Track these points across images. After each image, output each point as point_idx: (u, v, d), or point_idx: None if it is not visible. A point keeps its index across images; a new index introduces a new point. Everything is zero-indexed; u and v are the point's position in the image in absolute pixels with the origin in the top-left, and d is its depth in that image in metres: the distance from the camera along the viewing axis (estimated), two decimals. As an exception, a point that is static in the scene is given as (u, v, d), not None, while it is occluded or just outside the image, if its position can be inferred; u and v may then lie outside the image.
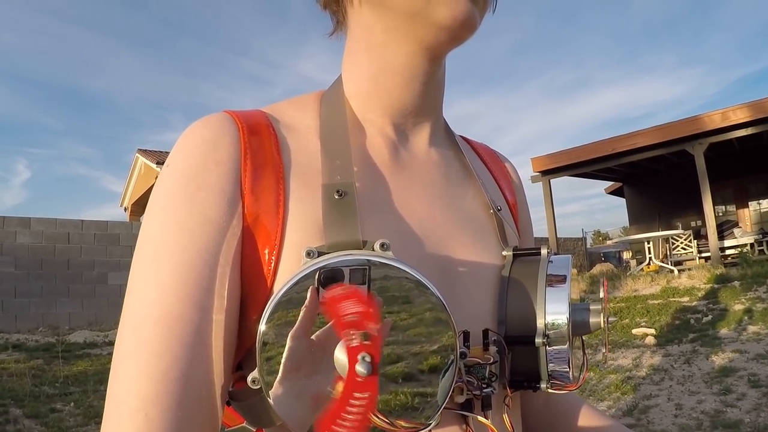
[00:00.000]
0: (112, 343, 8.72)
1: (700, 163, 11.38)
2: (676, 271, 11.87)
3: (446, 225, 0.60)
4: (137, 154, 25.38)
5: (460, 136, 0.76)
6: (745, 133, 11.02)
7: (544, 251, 0.59)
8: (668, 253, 14.79)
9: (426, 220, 0.59)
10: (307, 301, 0.43)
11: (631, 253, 18.57)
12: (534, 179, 13.88)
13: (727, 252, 13.91)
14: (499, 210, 0.65)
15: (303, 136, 0.57)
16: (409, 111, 0.62)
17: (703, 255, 13.84)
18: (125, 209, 29.18)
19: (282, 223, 0.51)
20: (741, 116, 10.65)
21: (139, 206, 28.14)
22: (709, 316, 7.02)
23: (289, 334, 0.42)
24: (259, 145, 0.54)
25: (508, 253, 0.61)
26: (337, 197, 0.51)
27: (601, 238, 40.42)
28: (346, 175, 0.53)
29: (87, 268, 11.42)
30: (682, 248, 14.42)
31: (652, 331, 6.74)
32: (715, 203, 13.12)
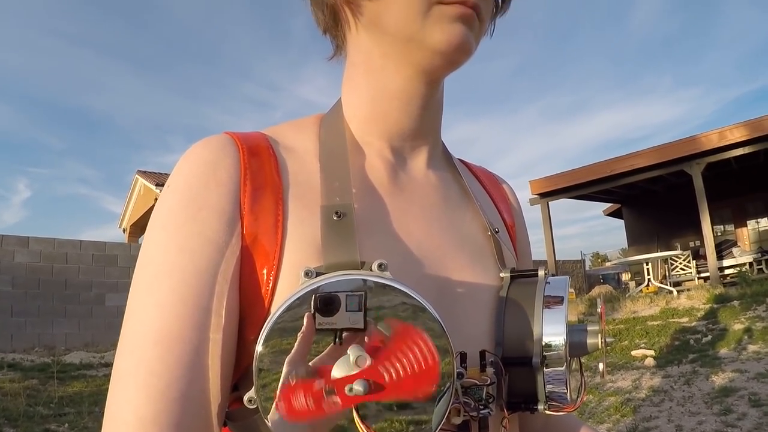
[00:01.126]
0: (108, 365, 8.60)
1: (698, 183, 11.40)
2: (675, 292, 11.83)
3: (444, 246, 0.60)
4: (137, 176, 25.39)
5: (459, 159, 0.76)
6: (743, 152, 11.04)
7: (541, 273, 0.59)
8: (667, 273, 14.76)
9: (424, 241, 0.59)
10: (303, 328, 0.43)
11: (630, 275, 18.55)
12: (532, 201, 13.90)
13: (726, 271, 13.88)
14: (497, 232, 0.65)
15: (302, 158, 0.58)
16: (407, 134, 0.63)
17: (702, 275, 13.80)
18: (124, 230, 29.14)
19: (281, 243, 0.51)
20: (738, 135, 10.67)
21: (138, 228, 28.11)
22: (709, 336, 6.99)
23: (286, 360, 0.43)
24: (259, 167, 0.54)
25: (505, 274, 0.61)
26: (335, 218, 0.51)
27: (600, 260, 40.37)
28: (345, 196, 0.53)
29: (84, 288, 11.36)
30: (681, 269, 14.40)
31: (652, 352, 6.71)
32: (713, 223, 13.13)
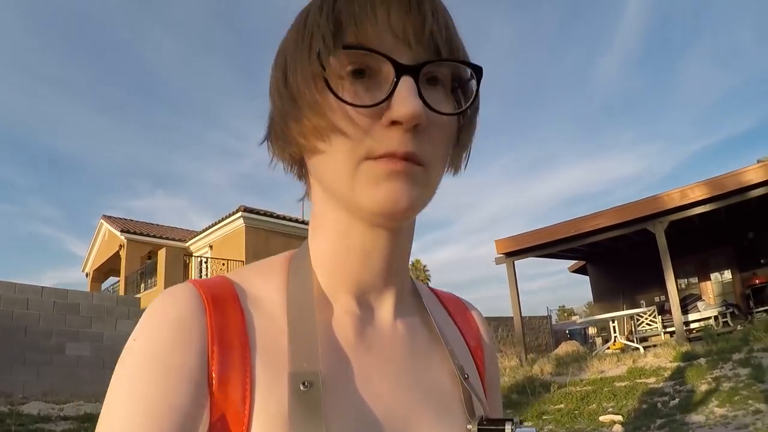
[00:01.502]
0: (66, 418, 8.41)
1: (662, 242, 11.55)
2: (641, 349, 11.80)
3: (410, 404, 0.60)
4: (102, 221, 25.04)
5: (428, 288, 0.77)
6: (704, 210, 11.26)
7: (508, 427, 0.58)
8: (633, 329, 14.80)
9: (390, 402, 0.59)
10: None
11: (596, 330, 18.56)
12: (498, 261, 14.06)
13: (692, 325, 13.97)
14: (466, 378, 0.64)
15: (270, 313, 0.57)
16: (371, 286, 0.62)
17: (668, 330, 13.87)
18: (87, 275, 28.55)
19: (248, 418, 0.50)
20: (699, 193, 10.91)
21: (101, 273, 27.60)
22: (676, 399, 6.88)
23: None
24: (225, 324, 0.54)
25: (472, 427, 0.60)
26: (302, 389, 0.51)
27: (566, 314, 40.61)
28: (312, 361, 0.53)
29: (44, 336, 11.25)
30: (647, 324, 14.45)
31: (620, 417, 6.55)
32: (677, 277, 13.29)
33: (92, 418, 8.37)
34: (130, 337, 0.52)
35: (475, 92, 0.56)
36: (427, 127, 0.52)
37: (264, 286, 0.60)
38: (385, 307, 0.64)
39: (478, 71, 0.55)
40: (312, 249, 0.62)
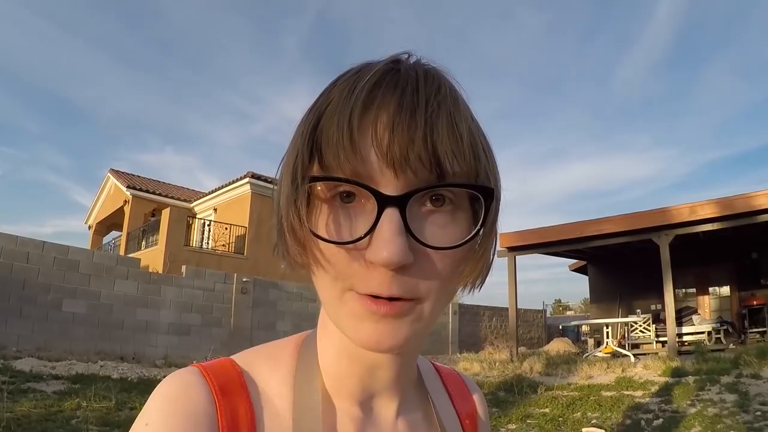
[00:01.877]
0: (57, 377, 8.48)
1: (665, 254, 11.53)
2: (632, 357, 11.84)
3: None
4: (108, 174, 25.07)
5: (431, 364, 0.77)
6: (711, 228, 11.22)
7: None
8: (626, 334, 14.82)
9: None
10: None
11: (590, 329, 18.60)
12: (500, 254, 14.01)
13: (685, 338, 13.99)
14: None
15: (276, 410, 0.57)
16: (376, 393, 0.61)
17: (661, 339, 13.88)
18: (89, 227, 28.71)
19: None
20: (708, 212, 10.88)
21: (103, 226, 27.74)
22: (660, 420, 6.90)
23: None
24: (236, 420, 0.54)
25: None
26: None
27: (561, 308, 40.71)
28: None
29: (43, 291, 11.29)
30: (641, 331, 14.47)
31: None
32: (676, 287, 13.30)
33: (83, 379, 8.51)
34: (141, 419, 0.52)
35: (482, 219, 0.49)
36: (419, 261, 0.47)
37: (272, 376, 0.59)
38: (389, 409, 0.63)
39: (486, 194, 0.49)
40: (319, 349, 0.61)
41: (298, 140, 0.50)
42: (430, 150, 0.45)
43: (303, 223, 0.48)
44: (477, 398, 0.79)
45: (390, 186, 0.46)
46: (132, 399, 7.28)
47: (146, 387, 8.40)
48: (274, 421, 0.56)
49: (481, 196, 0.48)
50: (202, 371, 0.56)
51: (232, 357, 0.61)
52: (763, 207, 10.54)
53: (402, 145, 0.45)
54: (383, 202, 0.45)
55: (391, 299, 0.47)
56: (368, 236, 0.45)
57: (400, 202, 0.45)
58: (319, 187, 0.48)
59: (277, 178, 0.54)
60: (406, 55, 0.52)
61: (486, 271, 0.55)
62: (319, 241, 0.47)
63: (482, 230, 0.50)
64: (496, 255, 0.55)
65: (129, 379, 9.24)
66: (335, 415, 0.60)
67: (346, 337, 0.54)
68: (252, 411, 0.55)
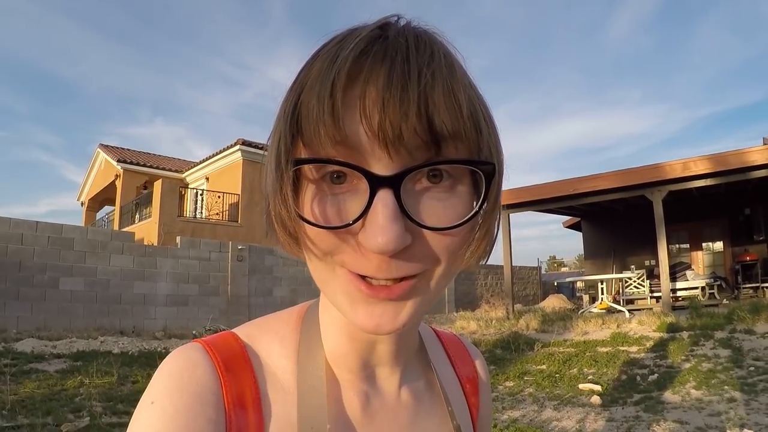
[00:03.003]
0: (59, 356, 8.54)
1: (658, 210, 11.58)
2: (626, 313, 11.99)
3: None
4: (98, 149, 24.91)
5: (432, 330, 0.77)
6: (705, 184, 11.24)
7: None
8: (621, 290, 14.99)
9: None
10: None
11: (584, 285, 18.81)
12: (494, 212, 14.10)
13: (679, 294, 14.16)
14: None
15: (280, 383, 0.57)
16: (378, 366, 0.62)
17: (655, 295, 14.05)
18: (82, 204, 28.63)
19: None
20: (702, 167, 10.89)
21: (96, 202, 27.67)
22: (655, 375, 7.02)
23: None
24: (242, 395, 0.54)
25: None
26: None
27: (556, 265, 41.05)
28: None
29: (39, 271, 11.34)
30: (635, 287, 14.63)
31: (598, 388, 6.69)
32: (669, 242, 13.40)
33: (85, 356, 8.57)
34: (146, 396, 0.52)
35: (483, 195, 0.46)
36: (419, 240, 0.45)
37: (274, 350, 0.59)
38: (392, 380, 0.64)
39: (488, 169, 0.45)
40: (321, 322, 0.61)
41: (280, 120, 0.47)
42: (425, 125, 0.41)
43: (291, 212, 0.45)
44: (478, 363, 0.79)
45: (382, 165, 0.43)
46: (134, 373, 7.34)
47: (147, 360, 8.48)
48: (278, 395, 0.56)
49: (482, 172, 0.45)
50: (205, 347, 0.56)
51: (234, 331, 0.61)
52: (756, 163, 10.56)
53: (394, 122, 0.41)
54: (375, 183, 0.42)
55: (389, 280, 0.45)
56: (361, 220, 0.43)
57: (395, 183, 0.42)
58: (307, 167, 0.45)
59: (263, 162, 0.51)
60: (395, 18, 0.48)
61: (490, 247, 0.53)
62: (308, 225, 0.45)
63: (484, 207, 0.47)
64: (500, 228, 0.53)
65: (130, 353, 9.31)
66: (339, 388, 0.60)
67: (345, 322, 0.55)
68: (257, 386, 0.55)
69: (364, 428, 0.60)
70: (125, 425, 4.75)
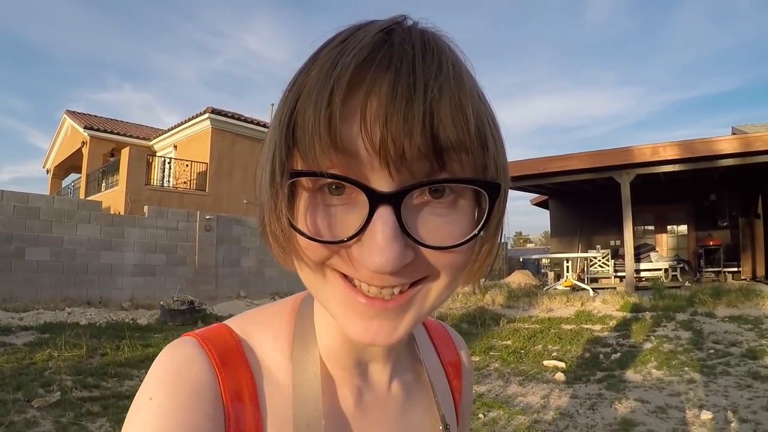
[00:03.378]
0: (26, 328, 8.40)
1: (626, 192, 11.77)
2: (591, 291, 12.23)
3: None
4: (65, 115, 24.22)
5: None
6: (672, 169, 11.46)
7: None
8: (585, 269, 15.25)
9: None
10: None
11: (549, 263, 19.08)
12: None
13: (643, 274, 14.47)
14: (447, 427, 0.66)
15: (276, 379, 0.57)
16: (370, 361, 0.62)
17: (619, 274, 14.33)
18: (48, 171, 27.90)
19: None
20: (671, 153, 11.09)
21: (62, 169, 27.01)
22: (618, 354, 7.20)
23: None
24: (239, 391, 0.54)
25: None
26: None
27: (522, 241, 41.52)
28: None
29: (5, 241, 11.10)
30: (600, 266, 14.90)
31: (562, 365, 6.85)
32: (635, 224, 13.66)
33: (52, 328, 8.46)
34: (143, 392, 0.51)
35: (486, 215, 0.44)
36: (420, 255, 0.44)
37: (269, 345, 0.59)
38: (384, 374, 0.64)
39: (491, 190, 0.44)
40: (318, 323, 0.60)
41: (276, 129, 0.45)
42: (430, 142, 0.40)
43: (284, 226, 0.45)
44: (461, 349, 0.80)
45: (383, 180, 0.41)
46: (102, 345, 7.27)
47: (115, 332, 8.40)
48: (274, 390, 0.56)
49: (486, 192, 0.44)
50: (200, 342, 0.55)
51: (228, 323, 0.60)
52: (724, 152, 10.81)
53: (397, 139, 0.39)
54: (375, 200, 0.41)
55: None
56: (358, 236, 0.42)
57: (395, 200, 0.41)
58: (303, 178, 0.43)
59: (258, 170, 0.49)
60: (402, 18, 0.45)
61: (491, 264, 0.51)
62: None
63: (486, 228, 0.45)
64: (502, 245, 0.56)
65: (97, 324, 9.21)
66: (334, 384, 0.60)
67: None
68: (253, 380, 0.55)
69: (357, 423, 0.60)
70: (96, 399, 4.69)
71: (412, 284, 0.46)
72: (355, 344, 0.57)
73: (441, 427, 0.66)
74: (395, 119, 0.39)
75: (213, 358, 0.54)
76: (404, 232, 0.41)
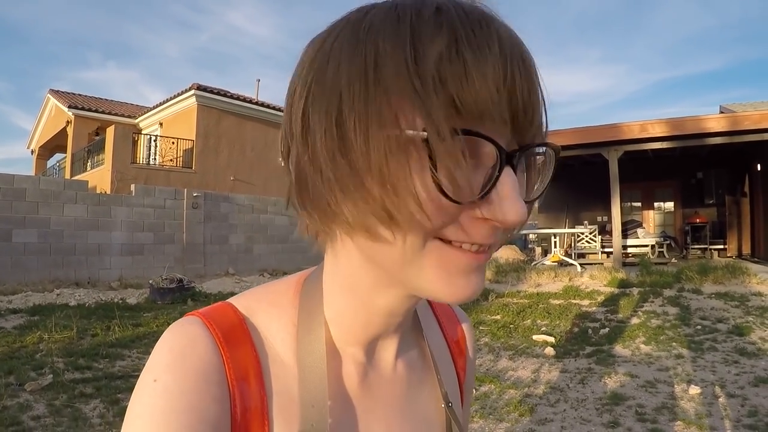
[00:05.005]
0: (15, 311, 8.38)
1: (614, 169, 11.83)
2: (578, 267, 12.34)
3: None
4: (48, 95, 23.89)
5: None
6: (661, 146, 11.53)
7: None
8: (573, 244, 15.37)
9: None
10: None
11: (537, 238, 19.22)
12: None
13: (630, 250, 14.61)
14: (450, 405, 0.67)
15: (281, 358, 0.57)
16: (381, 337, 0.62)
17: (606, 250, 14.47)
18: (32, 152, 27.59)
19: None
20: (659, 131, 11.15)
21: (47, 150, 26.72)
22: (606, 329, 7.29)
23: None
24: (245, 372, 0.54)
25: None
26: None
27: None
28: (321, 419, 0.54)
29: None
30: (587, 242, 15.01)
31: (552, 339, 6.93)
32: (622, 200, 13.76)
33: (42, 310, 8.44)
34: (148, 374, 0.51)
35: (552, 174, 0.51)
36: None
37: (273, 323, 0.59)
38: (389, 350, 0.65)
39: (557, 151, 0.50)
40: (327, 301, 0.59)
41: (401, 67, 0.41)
42: (534, 105, 0.44)
43: (429, 189, 0.42)
44: (465, 326, 0.81)
45: (504, 139, 0.43)
46: (93, 325, 7.26)
47: (105, 312, 8.38)
48: (279, 370, 0.56)
49: (554, 153, 0.50)
50: (204, 321, 0.55)
51: (231, 301, 0.60)
52: (712, 130, 10.89)
53: (524, 99, 0.43)
54: (504, 159, 0.43)
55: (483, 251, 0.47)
56: (487, 194, 0.43)
57: (515, 159, 0.44)
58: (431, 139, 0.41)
59: (316, 95, 0.45)
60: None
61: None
62: (428, 194, 0.42)
63: (547, 185, 0.51)
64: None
65: (87, 305, 9.19)
66: (340, 363, 0.60)
67: (374, 295, 0.54)
68: (258, 359, 0.55)
69: (362, 401, 0.61)
70: (88, 381, 4.68)
71: None
72: (377, 318, 0.57)
73: (443, 405, 0.67)
74: (517, 75, 0.42)
75: (218, 338, 0.54)
76: None
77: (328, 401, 0.55)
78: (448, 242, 0.45)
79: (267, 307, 0.60)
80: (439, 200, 0.42)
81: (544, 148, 0.49)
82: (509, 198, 0.42)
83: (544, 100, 0.46)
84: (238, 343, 0.55)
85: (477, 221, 0.44)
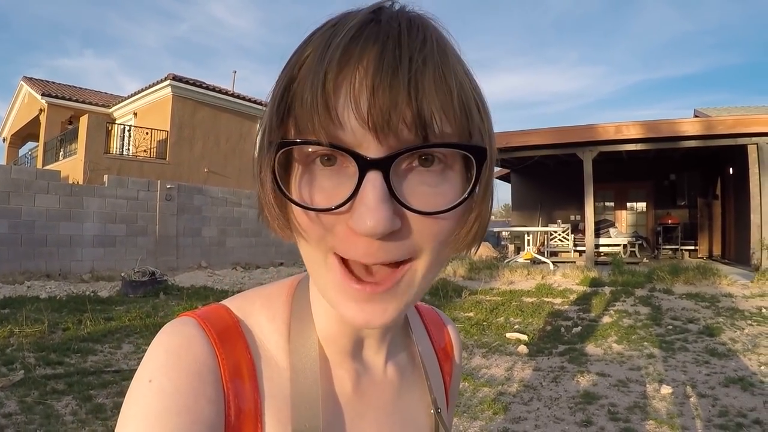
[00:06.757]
0: None
1: (588, 169, 11.97)
2: (551, 265, 12.46)
3: None
4: (22, 82, 23.40)
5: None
6: (635, 148, 11.69)
7: None
8: (546, 242, 15.51)
9: None
10: None
11: (510, 235, 19.34)
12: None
13: (602, 249, 14.78)
14: (438, 411, 0.68)
15: (275, 361, 0.58)
16: (366, 345, 0.63)
17: (579, 249, 14.62)
18: (4, 140, 27.03)
19: None
20: (634, 132, 11.32)
21: (19, 138, 26.19)
22: (579, 327, 7.36)
23: None
24: (239, 373, 0.54)
25: None
26: None
27: (484, 214, 41.86)
28: (313, 422, 0.55)
29: None
30: (560, 240, 15.16)
31: (525, 338, 6.97)
32: (596, 200, 13.93)
33: (12, 302, 8.26)
34: (143, 374, 0.51)
35: (474, 180, 0.46)
36: (408, 225, 0.45)
37: (266, 326, 0.59)
38: (379, 355, 0.65)
39: (478, 154, 0.45)
40: (314, 305, 0.60)
41: (272, 103, 0.46)
42: (415, 111, 0.41)
43: (276, 191, 0.46)
44: (452, 332, 0.82)
45: (372, 149, 0.42)
46: (64, 319, 7.12)
47: (76, 305, 8.23)
48: (273, 371, 0.57)
49: (473, 156, 0.45)
50: (199, 322, 0.55)
51: (226, 303, 0.60)
52: (686, 133, 11.09)
53: (383, 107, 0.41)
54: (365, 165, 0.42)
55: (380, 266, 0.46)
56: (350, 202, 0.43)
57: (384, 165, 0.42)
58: (296, 150, 0.46)
59: (256, 145, 0.50)
60: (389, 3, 0.47)
61: (482, 234, 0.52)
62: (298, 207, 0.46)
63: (475, 192, 0.47)
64: (491, 213, 0.53)
65: (58, 297, 9.02)
66: (330, 367, 0.61)
67: None
68: (252, 360, 0.56)
69: (354, 405, 0.62)
70: (60, 377, 4.60)
71: (399, 265, 0.47)
72: (352, 327, 0.58)
73: (432, 411, 0.68)
74: (381, 88, 0.41)
75: (212, 339, 0.54)
76: (393, 196, 0.43)
77: (321, 403, 0.56)
78: (346, 260, 0.46)
79: (261, 310, 0.60)
80: (306, 210, 0.45)
81: (458, 151, 0.45)
82: (365, 204, 0.42)
83: (460, 105, 0.44)
84: (232, 344, 0.55)
85: (354, 235, 0.44)
